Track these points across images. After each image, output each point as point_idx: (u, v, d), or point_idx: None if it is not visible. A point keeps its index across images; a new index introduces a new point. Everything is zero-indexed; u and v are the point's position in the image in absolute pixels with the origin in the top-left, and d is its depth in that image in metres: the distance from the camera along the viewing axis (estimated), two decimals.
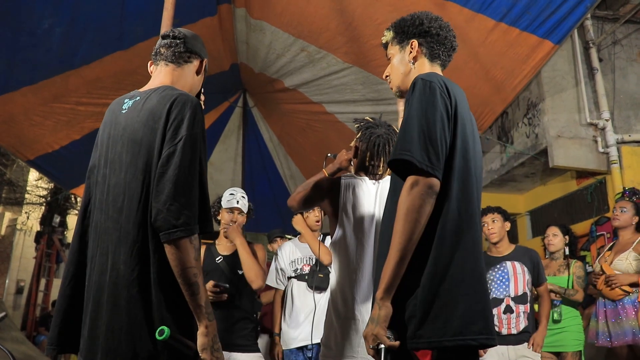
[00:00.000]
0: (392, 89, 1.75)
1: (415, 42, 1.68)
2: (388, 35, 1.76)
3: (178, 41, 1.73)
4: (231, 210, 3.08)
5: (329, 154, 2.58)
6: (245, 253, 2.92)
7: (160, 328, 1.35)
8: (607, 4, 5.96)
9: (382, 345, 1.31)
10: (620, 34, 5.97)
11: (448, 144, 1.43)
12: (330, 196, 2.27)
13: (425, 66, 1.67)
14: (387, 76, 1.77)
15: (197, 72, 1.76)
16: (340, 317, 2.14)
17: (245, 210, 3.10)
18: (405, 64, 1.69)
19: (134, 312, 1.39)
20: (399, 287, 1.36)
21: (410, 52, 1.68)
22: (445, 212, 1.40)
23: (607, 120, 5.54)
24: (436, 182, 1.36)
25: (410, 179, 1.37)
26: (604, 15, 5.94)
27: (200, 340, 1.41)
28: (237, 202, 3.06)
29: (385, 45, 1.78)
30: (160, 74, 1.72)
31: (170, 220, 1.37)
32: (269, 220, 6.23)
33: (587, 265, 4.65)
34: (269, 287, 3.78)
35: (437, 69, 1.69)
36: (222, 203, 3.11)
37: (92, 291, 1.47)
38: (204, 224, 1.48)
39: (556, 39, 3.80)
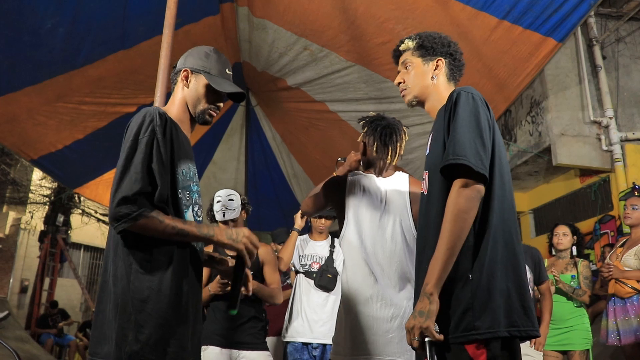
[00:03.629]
0: (405, 96, 1.83)
1: (442, 61, 1.79)
2: (409, 44, 1.84)
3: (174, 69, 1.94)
4: (224, 222, 3.09)
5: (339, 159, 2.59)
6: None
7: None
8: (611, 1, 5.94)
9: (428, 339, 1.38)
10: (624, 32, 5.96)
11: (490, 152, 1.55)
12: (338, 194, 2.29)
13: (444, 84, 1.78)
14: (400, 83, 1.84)
15: (185, 86, 1.87)
16: (349, 314, 2.13)
17: (237, 215, 3.08)
18: (428, 78, 1.78)
19: (117, 306, 1.53)
20: (448, 281, 1.44)
21: (436, 68, 1.78)
22: (490, 213, 1.51)
23: (610, 118, 5.52)
24: (483, 188, 1.48)
25: (461, 182, 1.47)
26: (608, 12, 5.92)
27: (227, 243, 1.65)
28: (224, 214, 3.05)
29: (400, 52, 1.87)
30: None
31: (114, 215, 1.51)
32: (272, 219, 6.24)
33: (591, 263, 4.63)
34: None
35: (452, 88, 1.78)
36: (213, 211, 3.11)
37: (99, 290, 1.65)
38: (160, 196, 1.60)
39: (559, 37, 3.78)
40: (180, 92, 1.86)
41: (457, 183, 1.48)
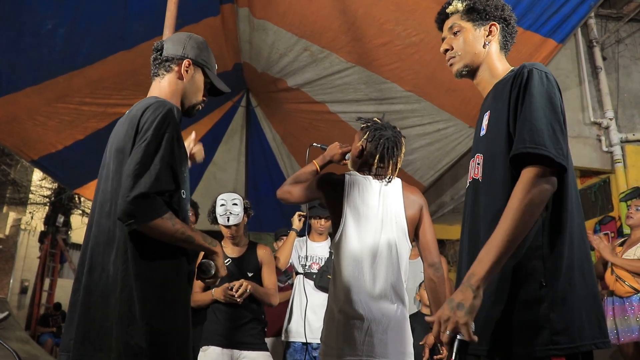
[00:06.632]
0: (454, 65, 1.66)
1: (496, 27, 1.62)
2: (458, 7, 1.67)
3: (156, 53, 1.80)
4: (227, 226, 3.09)
5: (313, 144, 2.59)
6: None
7: None
8: (611, 2, 5.94)
9: (460, 336, 1.22)
10: (624, 33, 5.95)
11: None
12: (333, 192, 2.27)
13: (497, 53, 1.63)
14: (447, 50, 1.68)
15: (182, 77, 1.76)
16: (342, 315, 2.13)
17: (240, 220, 3.09)
18: (480, 45, 1.62)
19: (122, 310, 1.46)
20: (517, 288, 1.30)
21: (488, 34, 1.62)
22: (565, 209, 1.35)
23: (611, 119, 5.51)
24: (555, 181, 1.32)
25: (536, 171, 1.29)
26: (608, 13, 5.91)
27: (218, 261, 1.69)
28: (228, 219, 3.05)
29: (447, 15, 1.70)
30: (151, 89, 1.80)
31: (128, 211, 1.43)
32: (272, 220, 6.23)
33: None
34: (280, 288, 3.86)
35: (504, 58, 1.65)
36: (216, 214, 3.10)
37: (81, 292, 1.54)
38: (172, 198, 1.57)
39: (559, 38, 3.78)
40: (177, 83, 1.76)
41: (531, 171, 1.29)
